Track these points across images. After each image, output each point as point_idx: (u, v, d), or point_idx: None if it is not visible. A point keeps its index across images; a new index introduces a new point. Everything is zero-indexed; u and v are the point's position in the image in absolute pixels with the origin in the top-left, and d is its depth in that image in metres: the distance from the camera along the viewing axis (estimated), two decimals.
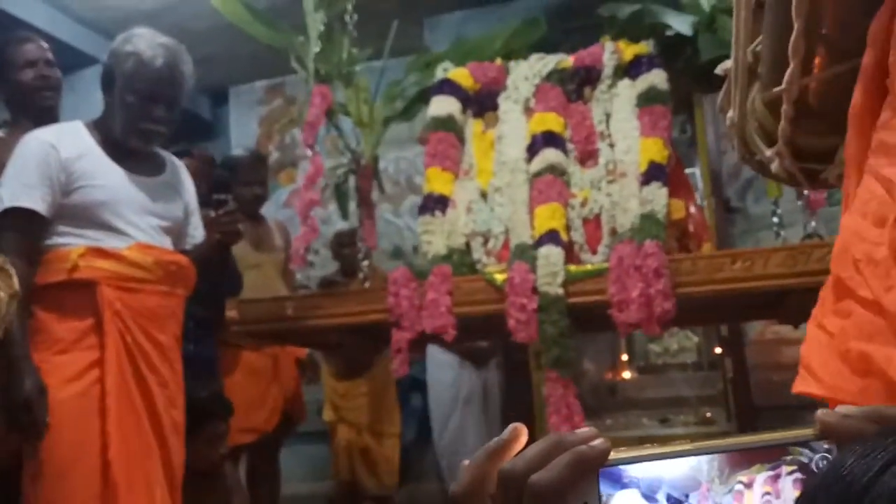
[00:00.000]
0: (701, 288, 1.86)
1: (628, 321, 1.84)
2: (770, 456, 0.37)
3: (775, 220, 2.25)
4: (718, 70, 0.72)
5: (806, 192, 2.11)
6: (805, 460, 0.37)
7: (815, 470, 0.36)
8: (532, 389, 2.38)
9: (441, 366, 3.49)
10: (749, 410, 2.92)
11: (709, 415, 3.38)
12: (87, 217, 1.83)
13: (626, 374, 4.04)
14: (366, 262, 2.51)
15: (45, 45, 2.21)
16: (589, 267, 1.99)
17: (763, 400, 3.05)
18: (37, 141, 1.85)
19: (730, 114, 0.70)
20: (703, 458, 0.37)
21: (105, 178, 1.87)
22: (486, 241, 2.18)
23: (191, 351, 2.15)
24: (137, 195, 1.91)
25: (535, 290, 1.94)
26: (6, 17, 3.72)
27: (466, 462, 0.40)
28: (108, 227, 1.84)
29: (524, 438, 0.40)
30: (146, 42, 1.87)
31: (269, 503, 2.95)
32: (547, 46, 2.59)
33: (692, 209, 2.28)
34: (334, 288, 3.40)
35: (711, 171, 2.86)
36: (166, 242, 1.96)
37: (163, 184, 1.99)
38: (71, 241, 1.81)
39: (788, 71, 0.56)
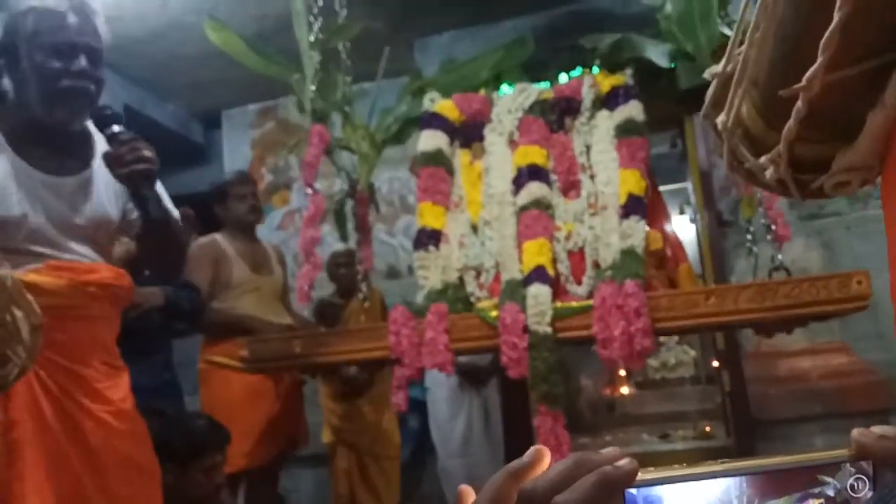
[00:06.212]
0: (678, 322, 2.00)
1: (612, 357, 1.94)
2: (800, 481, 0.36)
3: (748, 237, 2.38)
4: (706, 74, 0.70)
5: (773, 226, 2.21)
6: (831, 493, 0.36)
7: (840, 501, 0.35)
8: (529, 407, 2.39)
9: (442, 388, 3.48)
10: (748, 424, 2.90)
11: (708, 429, 3.37)
12: None
13: (625, 390, 4.03)
14: (364, 284, 2.63)
15: None
16: (574, 305, 2.07)
17: (760, 413, 3.04)
18: None
19: (721, 117, 0.66)
20: (732, 487, 0.36)
21: (9, 187, 1.48)
22: (478, 275, 2.25)
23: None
24: (52, 202, 1.53)
25: (525, 329, 2.02)
26: None
27: (491, 481, 0.38)
28: (10, 249, 1.47)
29: (547, 461, 0.38)
30: None
31: None
32: (535, 66, 2.61)
33: (667, 229, 2.37)
34: (332, 310, 3.49)
35: (703, 184, 2.87)
36: (92, 252, 1.61)
37: (85, 180, 1.59)
38: None
39: (814, 66, 0.51)
